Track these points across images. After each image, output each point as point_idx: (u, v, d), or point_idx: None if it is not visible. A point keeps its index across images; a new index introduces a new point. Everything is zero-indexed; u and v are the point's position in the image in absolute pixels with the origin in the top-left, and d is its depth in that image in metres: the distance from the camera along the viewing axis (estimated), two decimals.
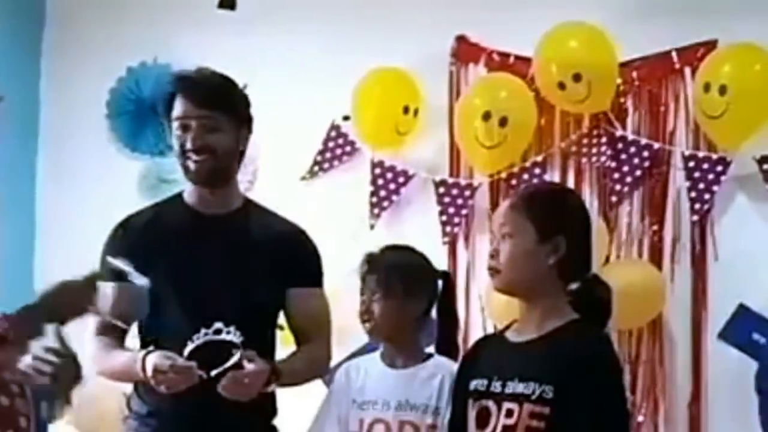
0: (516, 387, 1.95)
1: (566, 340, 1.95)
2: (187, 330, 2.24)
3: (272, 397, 2.37)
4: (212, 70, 2.43)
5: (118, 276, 2.17)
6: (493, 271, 2.04)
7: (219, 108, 2.32)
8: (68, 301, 1.94)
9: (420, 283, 2.37)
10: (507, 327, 2.12)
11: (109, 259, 2.22)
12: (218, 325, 2.22)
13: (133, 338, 2.39)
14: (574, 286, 2.03)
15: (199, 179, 2.34)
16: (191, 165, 2.32)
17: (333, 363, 2.54)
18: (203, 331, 2.22)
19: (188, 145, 2.30)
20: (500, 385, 1.98)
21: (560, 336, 1.97)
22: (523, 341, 2.02)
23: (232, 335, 2.22)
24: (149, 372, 2.17)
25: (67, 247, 3.65)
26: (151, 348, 2.23)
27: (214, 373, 2.16)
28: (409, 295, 2.33)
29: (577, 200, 2.19)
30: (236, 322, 2.25)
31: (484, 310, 3.45)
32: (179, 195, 2.43)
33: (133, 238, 2.36)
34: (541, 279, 2.00)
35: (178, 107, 2.33)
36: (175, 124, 2.33)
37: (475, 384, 2.03)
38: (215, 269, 2.30)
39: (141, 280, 2.15)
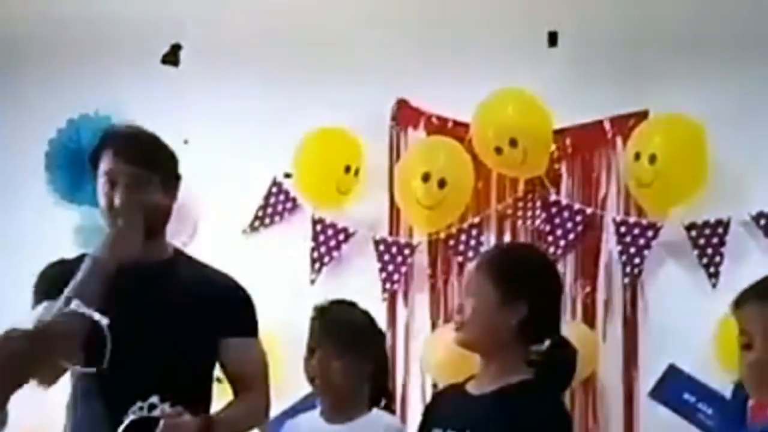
0: None
1: (517, 398, 1.99)
2: (117, 393, 2.17)
3: None
4: (141, 127, 2.41)
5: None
6: (458, 326, 2.09)
7: (145, 165, 2.30)
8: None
9: (374, 345, 2.41)
10: (468, 379, 2.16)
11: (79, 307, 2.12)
12: (153, 399, 2.12)
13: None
14: (540, 346, 2.08)
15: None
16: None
17: (272, 416, 2.52)
18: (138, 404, 2.13)
19: (116, 202, 2.26)
20: None
21: (512, 393, 2.01)
22: (478, 394, 2.07)
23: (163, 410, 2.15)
24: None
25: (4, 300, 3.58)
26: None
27: None
28: (364, 357, 2.35)
29: (543, 264, 2.21)
30: (168, 379, 2.18)
31: (422, 366, 3.48)
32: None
33: (53, 289, 2.24)
34: (502, 338, 2.05)
35: (106, 162, 2.30)
36: (102, 180, 2.30)
37: None
38: (143, 323, 2.23)
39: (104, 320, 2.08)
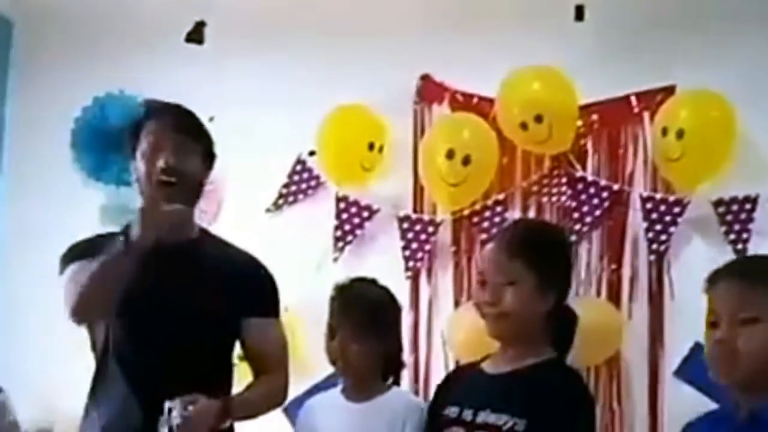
0: (487, 417, 1.97)
1: (543, 377, 1.99)
2: (142, 374, 2.21)
3: None
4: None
5: None
6: (496, 317, 2.05)
7: (191, 135, 2.34)
8: None
9: (393, 322, 2.40)
10: (483, 359, 2.15)
11: None
12: (168, 405, 2.10)
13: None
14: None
15: (164, 200, 2.28)
16: (158, 186, 2.27)
17: (294, 395, 2.53)
18: (160, 418, 2.11)
19: (160, 164, 2.26)
20: (471, 413, 2.00)
21: (537, 372, 2.00)
22: (498, 373, 2.05)
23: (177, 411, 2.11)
24: None
25: (29, 279, 3.62)
26: None
27: None
28: (384, 336, 2.34)
29: (569, 249, 2.25)
30: (190, 358, 2.21)
31: (445, 344, 3.47)
32: (129, 226, 2.33)
33: (81, 256, 2.29)
34: (534, 326, 2.05)
35: (151, 129, 2.32)
36: (145, 145, 2.31)
37: (447, 411, 2.06)
38: (168, 302, 2.24)
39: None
